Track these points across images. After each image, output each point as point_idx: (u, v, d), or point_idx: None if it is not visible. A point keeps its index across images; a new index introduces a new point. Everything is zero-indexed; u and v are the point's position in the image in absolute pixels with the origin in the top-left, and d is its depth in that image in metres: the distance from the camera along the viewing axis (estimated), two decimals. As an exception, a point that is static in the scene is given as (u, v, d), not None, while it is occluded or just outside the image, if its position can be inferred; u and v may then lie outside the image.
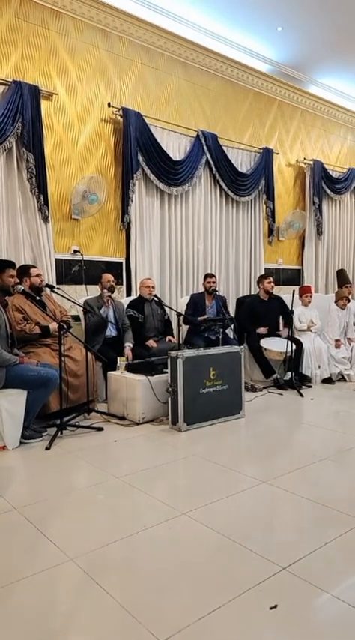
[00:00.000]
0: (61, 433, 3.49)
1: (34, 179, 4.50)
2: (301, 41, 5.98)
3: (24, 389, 3.34)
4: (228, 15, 5.41)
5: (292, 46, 6.11)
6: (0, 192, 4.35)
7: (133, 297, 5.16)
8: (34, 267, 4.18)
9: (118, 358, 4.19)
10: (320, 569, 1.84)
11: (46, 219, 4.62)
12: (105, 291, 4.66)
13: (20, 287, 3.62)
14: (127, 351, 4.46)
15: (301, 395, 4.83)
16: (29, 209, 4.56)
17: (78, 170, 4.99)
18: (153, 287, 4.92)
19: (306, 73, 6.83)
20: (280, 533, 2.18)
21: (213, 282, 5.30)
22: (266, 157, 6.62)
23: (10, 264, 3.52)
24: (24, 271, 4.01)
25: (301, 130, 7.33)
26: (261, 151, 6.60)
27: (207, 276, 5.38)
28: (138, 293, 5.09)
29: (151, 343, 4.69)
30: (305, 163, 7.30)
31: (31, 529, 2.18)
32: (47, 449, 3.24)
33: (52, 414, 3.67)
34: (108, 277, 4.80)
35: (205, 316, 5.11)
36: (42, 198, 4.55)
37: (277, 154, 6.88)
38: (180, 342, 4.48)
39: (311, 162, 7.25)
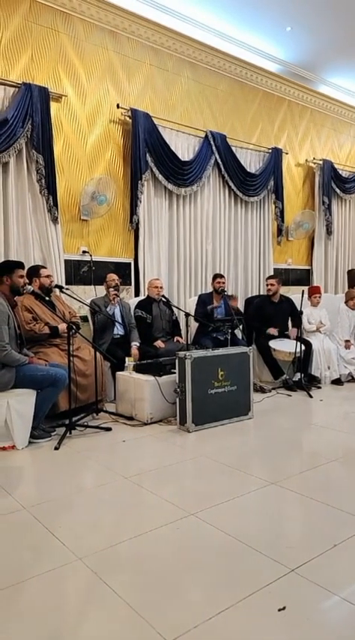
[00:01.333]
0: (70, 433, 3.50)
1: (43, 180, 4.53)
2: (310, 40, 5.95)
3: (33, 388, 3.37)
4: (237, 15, 5.40)
5: (301, 46, 6.09)
6: (10, 194, 4.38)
7: (142, 297, 5.16)
8: (44, 267, 4.21)
9: (126, 358, 4.20)
10: (329, 572, 1.83)
11: (55, 220, 4.64)
12: (111, 289, 4.67)
13: (30, 287, 3.64)
14: (134, 350, 4.47)
15: (310, 396, 4.80)
16: (39, 210, 4.59)
17: (87, 171, 5.01)
18: (161, 287, 4.92)
19: (316, 72, 6.80)
20: (289, 534, 2.17)
21: (223, 283, 5.28)
22: (276, 156, 6.60)
23: (19, 264, 3.54)
24: (34, 272, 4.03)
25: (310, 130, 7.30)
26: (270, 150, 6.58)
27: (217, 276, 5.37)
28: (146, 293, 5.10)
29: (159, 344, 4.69)
30: (314, 163, 7.26)
31: (39, 528, 2.19)
32: (56, 449, 3.26)
33: (61, 413, 3.69)
34: (112, 277, 4.82)
35: (219, 316, 5.09)
36: (51, 199, 4.58)
37: (286, 153, 6.85)
38: (189, 343, 4.47)
39: (320, 162, 7.21)
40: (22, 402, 3.31)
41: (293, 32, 5.75)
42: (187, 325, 4.46)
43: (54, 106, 4.67)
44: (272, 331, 5.26)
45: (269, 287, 5.47)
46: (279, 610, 1.60)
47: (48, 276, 4.07)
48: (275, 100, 6.77)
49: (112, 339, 4.57)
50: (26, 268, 3.75)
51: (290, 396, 4.86)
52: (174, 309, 4.99)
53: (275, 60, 6.40)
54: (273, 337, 5.27)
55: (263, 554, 1.95)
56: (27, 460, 3.14)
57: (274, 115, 6.79)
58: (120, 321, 4.66)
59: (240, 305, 6.06)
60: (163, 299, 4.82)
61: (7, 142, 4.25)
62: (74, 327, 3.62)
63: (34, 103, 4.43)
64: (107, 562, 1.91)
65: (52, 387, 3.42)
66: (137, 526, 2.19)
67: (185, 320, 4.41)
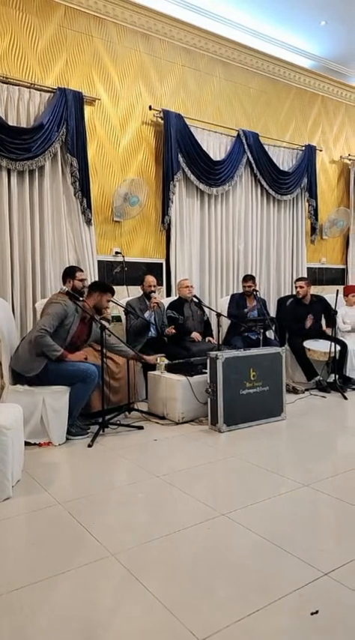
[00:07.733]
0: (103, 431, 3.56)
1: (77, 183, 4.62)
2: (346, 34, 5.83)
3: (63, 384, 3.42)
4: (270, 12, 5.35)
5: (336, 40, 5.97)
6: (45, 197, 4.49)
7: (173, 298, 5.18)
8: (81, 270, 4.24)
9: (158, 358, 4.23)
10: (364, 577, 1.79)
11: (88, 222, 4.72)
12: (153, 295, 4.65)
13: (64, 288, 3.76)
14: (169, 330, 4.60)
15: (345, 398, 4.70)
16: (73, 212, 4.68)
17: (119, 173, 5.08)
18: (192, 287, 4.92)
19: (351, 66, 6.65)
20: (322, 537, 2.14)
21: (249, 286, 5.19)
22: (309, 154, 6.50)
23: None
24: (70, 273, 4.10)
25: (345, 126, 7.14)
26: (304, 148, 6.48)
27: (246, 279, 5.22)
28: (177, 294, 5.10)
29: (197, 336, 4.68)
30: (349, 159, 7.10)
31: (74, 524, 2.24)
32: (89, 446, 3.32)
33: (94, 413, 3.76)
34: (149, 281, 4.77)
35: (250, 316, 5.04)
36: (85, 201, 4.66)
37: (320, 150, 6.73)
38: (220, 343, 4.46)
39: (356, 158, 7.06)
40: (57, 399, 3.39)
41: (327, 26, 5.65)
42: (218, 325, 4.44)
43: (88, 110, 4.75)
44: (309, 322, 5.11)
45: (299, 289, 5.37)
46: (312, 614, 1.58)
47: (81, 280, 4.14)
48: (308, 97, 6.66)
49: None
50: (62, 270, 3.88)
51: (325, 397, 4.77)
52: (206, 310, 4.98)
53: (309, 55, 6.29)
54: (308, 334, 5.16)
55: (295, 556, 1.93)
56: (62, 457, 3.21)
57: (308, 111, 6.68)
58: (153, 322, 4.69)
59: (272, 305, 5.99)
60: (195, 299, 4.81)
61: (42, 146, 4.36)
62: (106, 324, 3.69)
63: (69, 108, 4.52)
64: (140, 559, 1.94)
65: (83, 384, 3.45)
66: (169, 524, 2.21)
67: (216, 320, 4.40)
